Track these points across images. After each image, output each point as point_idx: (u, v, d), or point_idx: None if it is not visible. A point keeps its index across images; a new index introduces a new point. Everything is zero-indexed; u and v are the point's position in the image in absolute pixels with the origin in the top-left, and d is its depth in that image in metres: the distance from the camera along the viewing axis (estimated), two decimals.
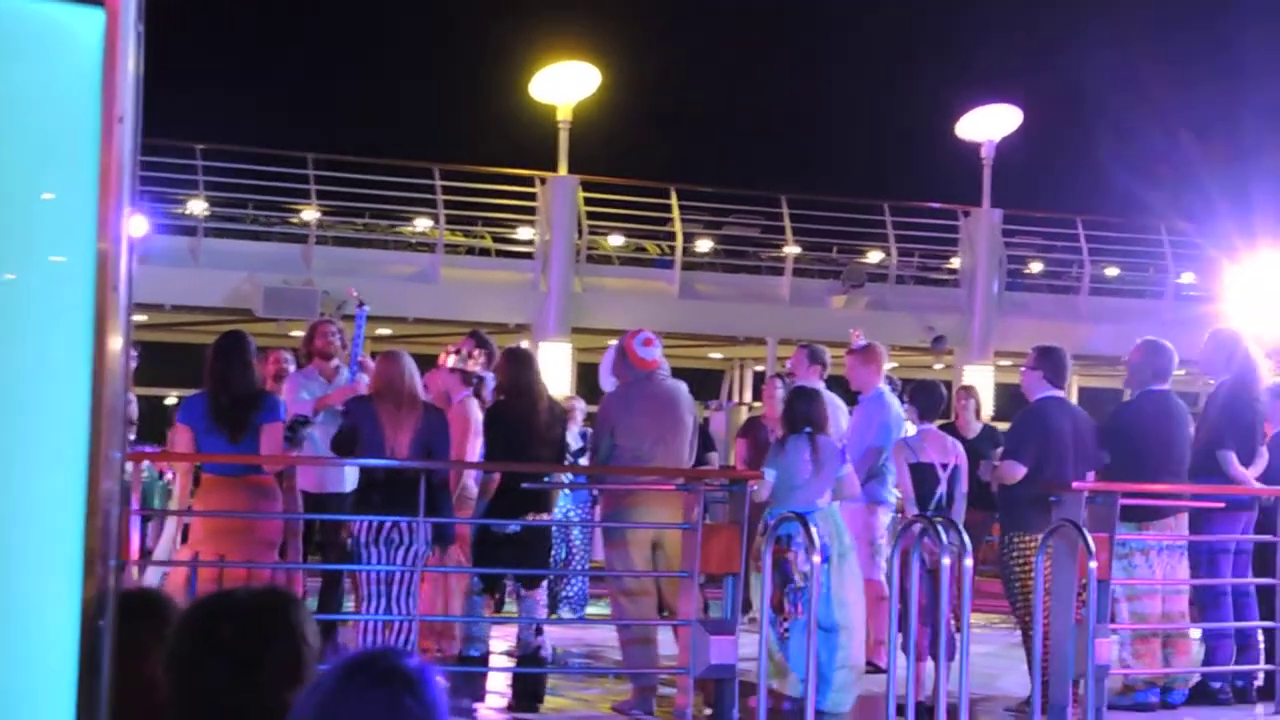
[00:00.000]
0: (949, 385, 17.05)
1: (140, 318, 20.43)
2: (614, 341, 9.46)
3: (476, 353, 9.80)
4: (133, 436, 11.78)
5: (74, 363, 2.17)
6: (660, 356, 9.14)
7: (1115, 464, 9.15)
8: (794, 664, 8.69)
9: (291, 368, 10.35)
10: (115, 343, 2.19)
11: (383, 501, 8.17)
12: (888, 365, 11.75)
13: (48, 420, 2.18)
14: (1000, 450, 9.67)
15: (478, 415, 9.33)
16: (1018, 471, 9.02)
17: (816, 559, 8.12)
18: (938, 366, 24.42)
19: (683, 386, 9.31)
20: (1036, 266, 26.19)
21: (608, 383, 9.31)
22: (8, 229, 2.14)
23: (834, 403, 10.43)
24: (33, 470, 2.17)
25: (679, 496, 8.66)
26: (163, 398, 22.44)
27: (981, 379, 21.37)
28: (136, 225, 2.26)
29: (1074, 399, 21.59)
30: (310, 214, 21.54)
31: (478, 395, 9.59)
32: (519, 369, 8.90)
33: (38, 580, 2.16)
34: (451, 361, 9.66)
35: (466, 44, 38.26)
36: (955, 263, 24.15)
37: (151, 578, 9.00)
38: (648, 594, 9.01)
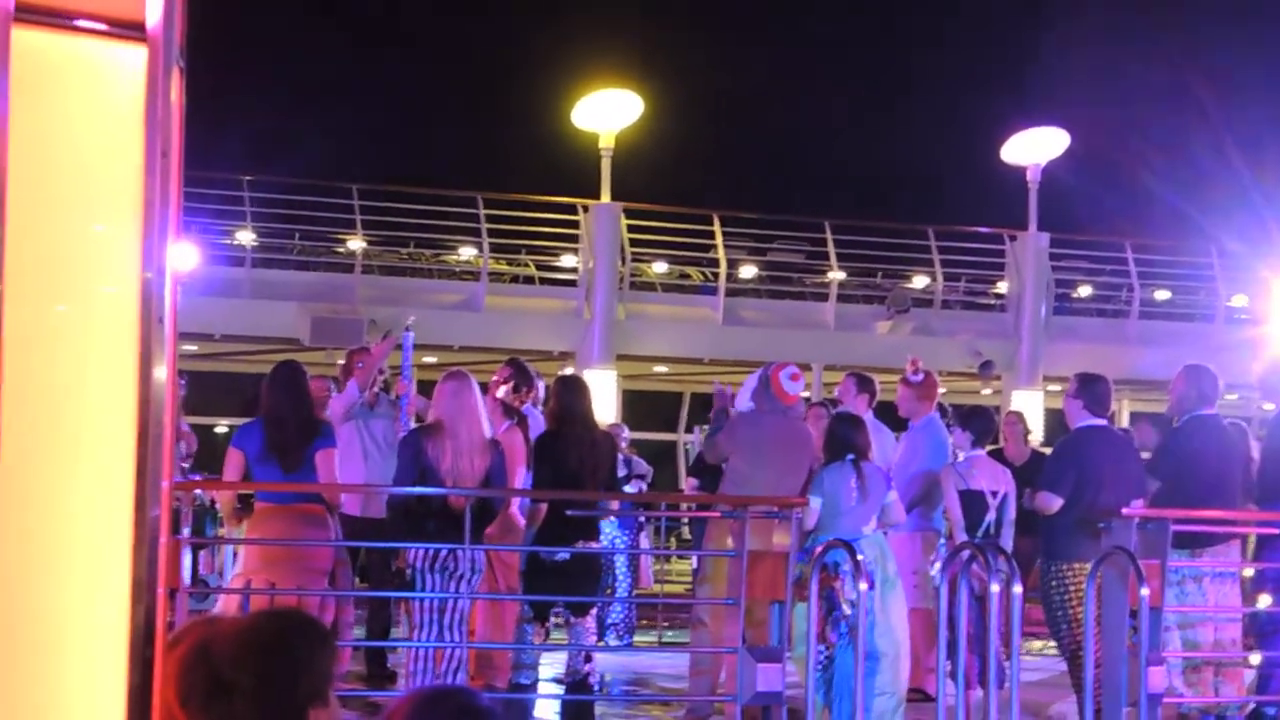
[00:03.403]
0: (997, 411, 16.98)
1: (190, 347, 20.55)
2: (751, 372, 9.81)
3: (525, 390, 9.86)
4: (187, 465, 11.86)
5: (120, 392, 2.18)
6: (802, 392, 9.36)
7: (1167, 490, 9.07)
8: (836, 692, 8.65)
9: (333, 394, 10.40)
10: (160, 372, 2.20)
11: (437, 530, 8.15)
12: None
13: (95, 449, 2.19)
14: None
15: (521, 445, 9.34)
16: (1054, 503, 8.97)
17: (864, 586, 8.08)
18: (985, 392, 24.30)
19: (809, 431, 9.51)
20: (1085, 290, 26.02)
21: (744, 404, 9.52)
22: (55, 261, 2.16)
23: (879, 429, 10.41)
24: (80, 499, 2.18)
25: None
26: (212, 426, 22.60)
27: (1030, 404, 21.25)
28: (182, 256, 2.28)
29: (1124, 423, 21.48)
30: (356, 243, 21.65)
31: (521, 429, 9.59)
32: (572, 397, 8.90)
33: (85, 610, 2.16)
34: (501, 393, 9.69)
35: (509, 72, 38.40)
36: (1002, 287, 24.05)
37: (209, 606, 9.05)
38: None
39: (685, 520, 18.98)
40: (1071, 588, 8.85)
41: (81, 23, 2.18)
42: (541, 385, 10.40)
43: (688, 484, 14.44)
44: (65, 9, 2.16)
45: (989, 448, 10.39)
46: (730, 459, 9.38)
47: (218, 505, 13.11)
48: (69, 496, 2.17)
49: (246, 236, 21.21)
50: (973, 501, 9.49)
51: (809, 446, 9.49)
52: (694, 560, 12.72)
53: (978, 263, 23.94)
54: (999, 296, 24.27)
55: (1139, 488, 9.07)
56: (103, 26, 2.19)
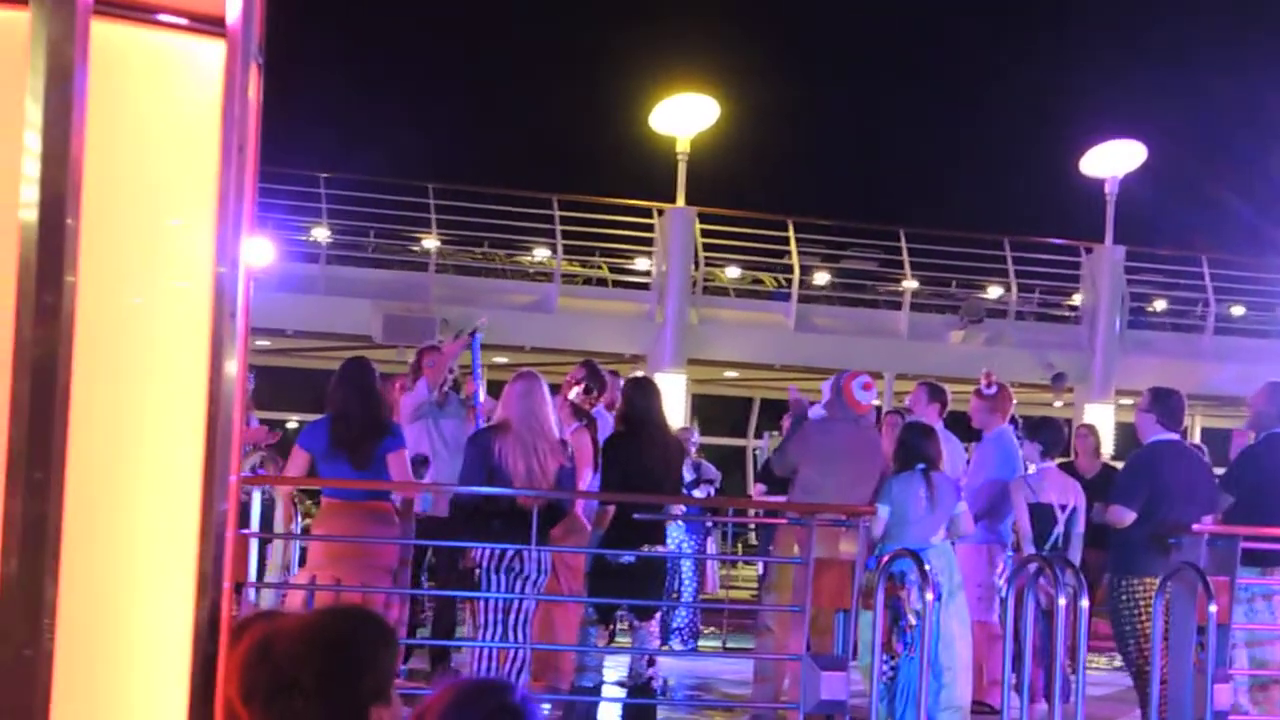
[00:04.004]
0: (1068, 423, 16.82)
1: (263, 343, 20.68)
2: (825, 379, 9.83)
3: (596, 393, 9.87)
4: (257, 460, 11.92)
5: (191, 386, 2.19)
6: (874, 400, 9.41)
7: (1241, 507, 8.97)
8: (900, 702, 8.60)
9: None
10: (231, 368, 2.20)
11: (503, 529, 8.13)
12: None
13: (164, 442, 2.19)
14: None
15: (589, 447, 9.34)
16: (1126, 517, 8.88)
17: (930, 596, 8.03)
18: (1057, 404, 24.09)
19: (880, 439, 9.59)
20: (1160, 304, 25.77)
21: (818, 413, 9.58)
22: (128, 254, 2.16)
23: (949, 439, 10.36)
24: (148, 492, 2.18)
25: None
26: (283, 421, 22.74)
27: (1102, 418, 21.06)
28: (257, 252, 2.29)
29: (1196, 438, 21.24)
30: (430, 242, 21.73)
31: (589, 432, 9.59)
32: (643, 399, 8.89)
33: (150, 604, 2.17)
34: (572, 394, 9.69)
35: (587, 76, 38.46)
36: (1077, 299, 23.85)
37: (269, 601, 9.09)
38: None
39: (752, 526, 18.94)
40: (1141, 603, 8.76)
41: (162, 17, 2.18)
42: (619, 385, 10.38)
43: (756, 490, 14.40)
44: (146, 3, 2.17)
45: (1059, 460, 10.33)
46: (800, 468, 9.35)
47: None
48: (136, 489, 2.18)
49: (321, 233, 21.33)
50: (1041, 514, 9.43)
51: (880, 455, 9.46)
52: (760, 566, 12.68)
53: (1052, 274, 23.76)
54: (1073, 309, 24.08)
55: (1211, 503, 8.98)
56: (183, 21, 2.20)
